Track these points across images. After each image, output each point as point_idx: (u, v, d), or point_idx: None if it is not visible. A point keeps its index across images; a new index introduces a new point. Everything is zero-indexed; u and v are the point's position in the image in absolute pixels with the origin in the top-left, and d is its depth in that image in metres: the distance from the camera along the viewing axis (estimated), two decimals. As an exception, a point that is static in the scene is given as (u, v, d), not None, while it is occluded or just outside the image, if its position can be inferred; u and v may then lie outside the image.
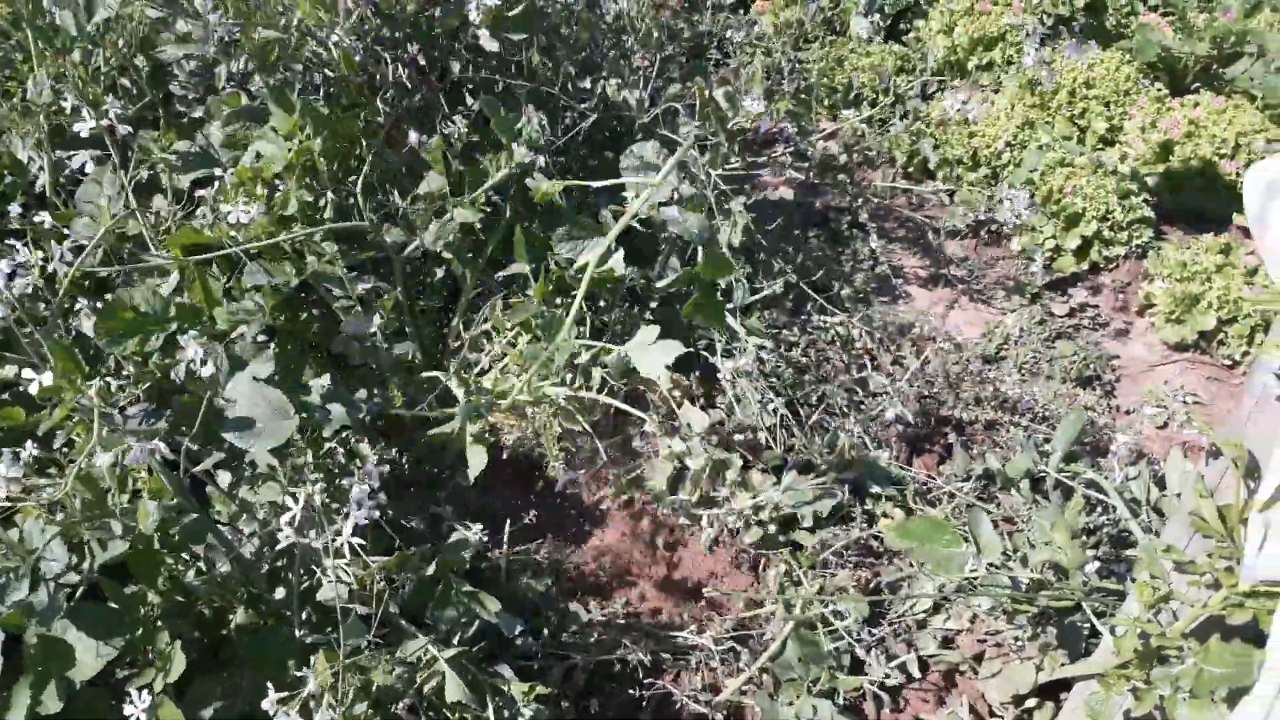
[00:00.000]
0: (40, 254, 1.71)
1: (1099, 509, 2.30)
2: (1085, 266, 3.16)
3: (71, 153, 2.29)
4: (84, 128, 1.83)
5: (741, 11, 3.86)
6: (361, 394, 2.23)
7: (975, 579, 1.93)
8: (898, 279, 3.13)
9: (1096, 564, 2.09)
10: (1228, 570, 1.60)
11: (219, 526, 1.66)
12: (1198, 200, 3.24)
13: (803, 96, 3.30)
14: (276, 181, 2.22)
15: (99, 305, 1.76)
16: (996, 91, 3.63)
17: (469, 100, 2.63)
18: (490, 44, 2.39)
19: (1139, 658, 1.68)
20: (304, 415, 1.93)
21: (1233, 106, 3.29)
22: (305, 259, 2.23)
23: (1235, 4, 3.60)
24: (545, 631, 2.06)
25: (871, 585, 2.21)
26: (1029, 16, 3.65)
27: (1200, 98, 3.38)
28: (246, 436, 1.67)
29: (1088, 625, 2.02)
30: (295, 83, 2.26)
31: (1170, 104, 3.39)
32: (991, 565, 1.83)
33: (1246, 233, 3.16)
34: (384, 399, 2.26)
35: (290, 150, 2.20)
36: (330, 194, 2.23)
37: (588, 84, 2.68)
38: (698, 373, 2.55)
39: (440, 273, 2.53)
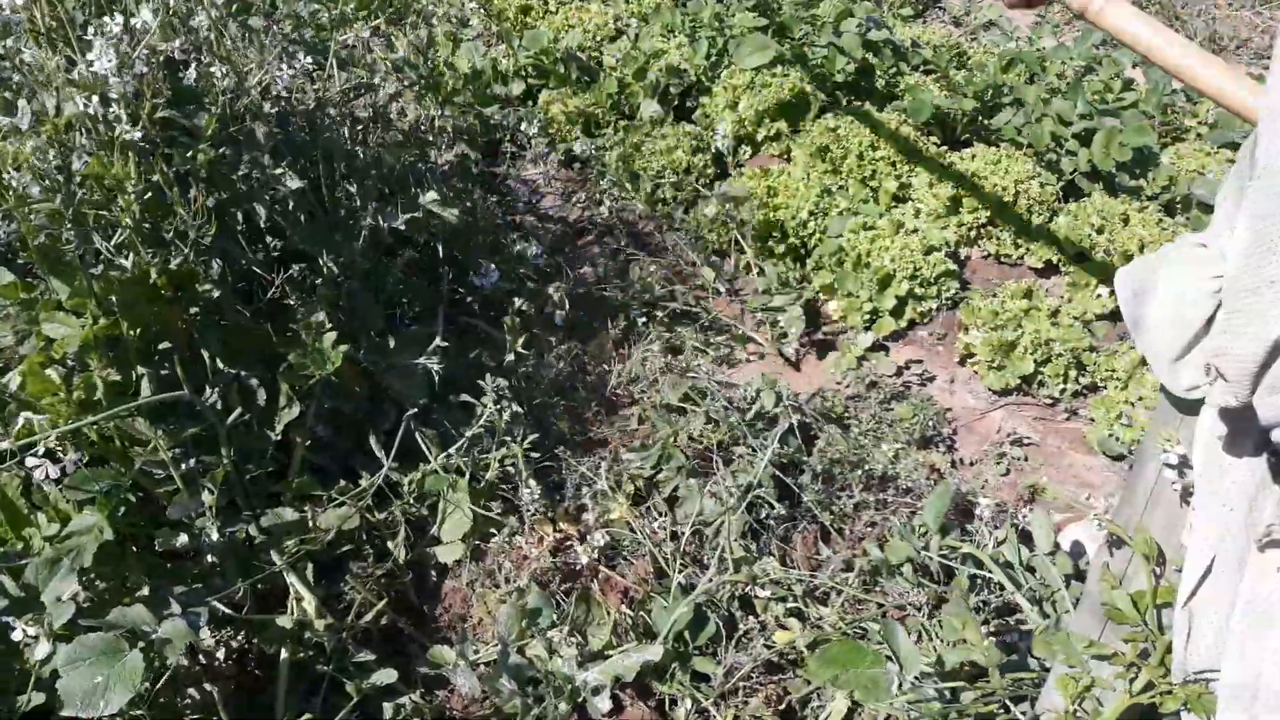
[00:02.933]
0: None
1: (979, 581, 2.33)
2: (904, 324, 3.26)
3: None
4: None
5: (531, 103, 3.77)
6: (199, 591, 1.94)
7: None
8: (724, 364, 3.12)
9: (992, 638, 2.10)
10: (1143, 654, 1.62)
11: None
12: (993, 247, 3.42)
13: (604, 187, 3.27)
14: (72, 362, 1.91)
15: None
16: (788, 159, 3.72)
17: (269, 239, 2.40)
18: (294, 182, 2.19)
19: (1070, 751, 1.68)
20: (140, 645, 1.66)
21: (1005, 155, 3.51)
22: (117, 443, 1.93)
23: (990, 61, 3.87)
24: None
25: (784, 703, 2.13)
26: (809, 85, 3.77)
27: (975, 150, 3.59)
28: (89, 703, 1.43)
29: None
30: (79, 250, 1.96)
31: (949, 158, 3.58)
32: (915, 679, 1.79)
33: (1040, 274, 3.36)
34: (223, 592, 1.99)
35: (85, 327, 1.89)
36: (140, 368, 1.94)
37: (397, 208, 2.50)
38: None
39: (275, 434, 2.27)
